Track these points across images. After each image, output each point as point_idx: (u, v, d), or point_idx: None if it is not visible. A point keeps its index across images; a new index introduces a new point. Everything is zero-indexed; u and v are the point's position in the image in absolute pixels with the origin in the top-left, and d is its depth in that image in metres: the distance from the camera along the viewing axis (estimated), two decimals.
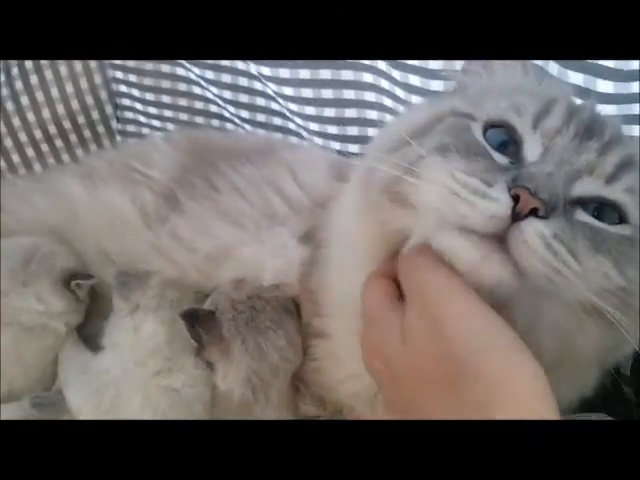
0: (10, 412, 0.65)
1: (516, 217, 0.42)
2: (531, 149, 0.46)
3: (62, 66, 1.03)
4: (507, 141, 0.47)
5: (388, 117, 0.82)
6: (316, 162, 0.77)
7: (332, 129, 0.87)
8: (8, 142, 1.04)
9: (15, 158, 1.05)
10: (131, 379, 0.63)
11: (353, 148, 0.87)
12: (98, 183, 0.77)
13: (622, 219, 0.46)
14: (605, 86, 0.60)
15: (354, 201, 0.57)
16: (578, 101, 0.55)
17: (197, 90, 1.02)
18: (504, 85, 0.53)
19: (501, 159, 0.46)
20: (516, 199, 0.42)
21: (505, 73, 0.53)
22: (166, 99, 1.04)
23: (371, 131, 0.85)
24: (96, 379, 0.65)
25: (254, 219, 0.71)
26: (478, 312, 0.42)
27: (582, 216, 0.45)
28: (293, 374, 0.65)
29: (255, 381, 0.63)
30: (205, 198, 0.73)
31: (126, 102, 1.08)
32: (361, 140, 0.86)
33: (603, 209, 0.46)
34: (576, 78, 0.62)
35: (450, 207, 0.43)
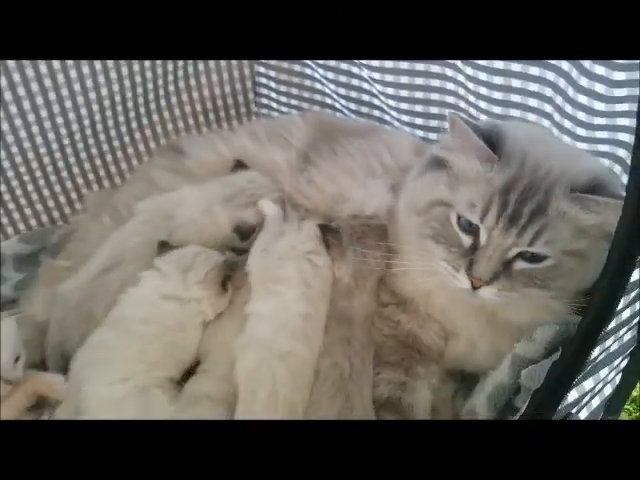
0: None
1: (474, 287, 0.79)
2: (482, 234, 0.79)
3: None
4: (472, 223, 0.80)
5: (462, 114, 1.15)
6: (404, 142, 1.11)
7: (419, 121, 1.21)
8: (177, 112, 1.42)
9: (180, 124, 1.44)
10: (293, 255, 0.97)
11: (433, 136, 1.21)
12: (260, 141, 1.14)
13: (547, 256, 0.79)
14: None
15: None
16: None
17: (318, 86, 1.37)
18: (467, 173, 0.81)
19: (467, 241, 0.81)
20: (472, 280, 0.79)
21: (468, 163, 0.81)
22: (294, 91, 1.41)
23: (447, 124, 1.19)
24: (271, 256, 0.98)
25: (361, 174, 1.06)
26: None
27: (519, 265, 0.79)
28: (379, 275, 0.99)
29: (357, 276, 0.97)
30: (329, 158, 1.09)
31: (264, 91, 1.45)
32: (440, 130, 1.19)
33: (533, 255, 0.79)
34: None
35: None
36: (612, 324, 0.72)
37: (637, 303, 0.78)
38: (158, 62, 1.32)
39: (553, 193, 0.77)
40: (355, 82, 1.30)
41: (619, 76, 0.82)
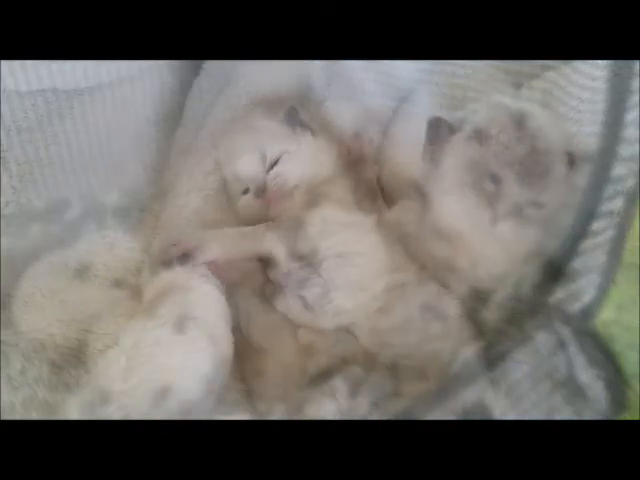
0: None
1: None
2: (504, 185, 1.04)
3: None
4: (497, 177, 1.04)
5: None
6: None
7: None
8: None
9: None
10: None
11: None
12: None
13: (544, 206, 1.05)
14: None
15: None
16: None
17: None
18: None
19: (491, 188, 1.03)
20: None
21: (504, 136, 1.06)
22: None
23: None
24: None
25: None
26: None
27: (527, 211, 1.05)
28: None
29: None
30: None
31: None
32: None
33: (537, 204, 1.05)
34: None
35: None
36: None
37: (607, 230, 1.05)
38: None
39: (555, 162, 1.06)
40: None
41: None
